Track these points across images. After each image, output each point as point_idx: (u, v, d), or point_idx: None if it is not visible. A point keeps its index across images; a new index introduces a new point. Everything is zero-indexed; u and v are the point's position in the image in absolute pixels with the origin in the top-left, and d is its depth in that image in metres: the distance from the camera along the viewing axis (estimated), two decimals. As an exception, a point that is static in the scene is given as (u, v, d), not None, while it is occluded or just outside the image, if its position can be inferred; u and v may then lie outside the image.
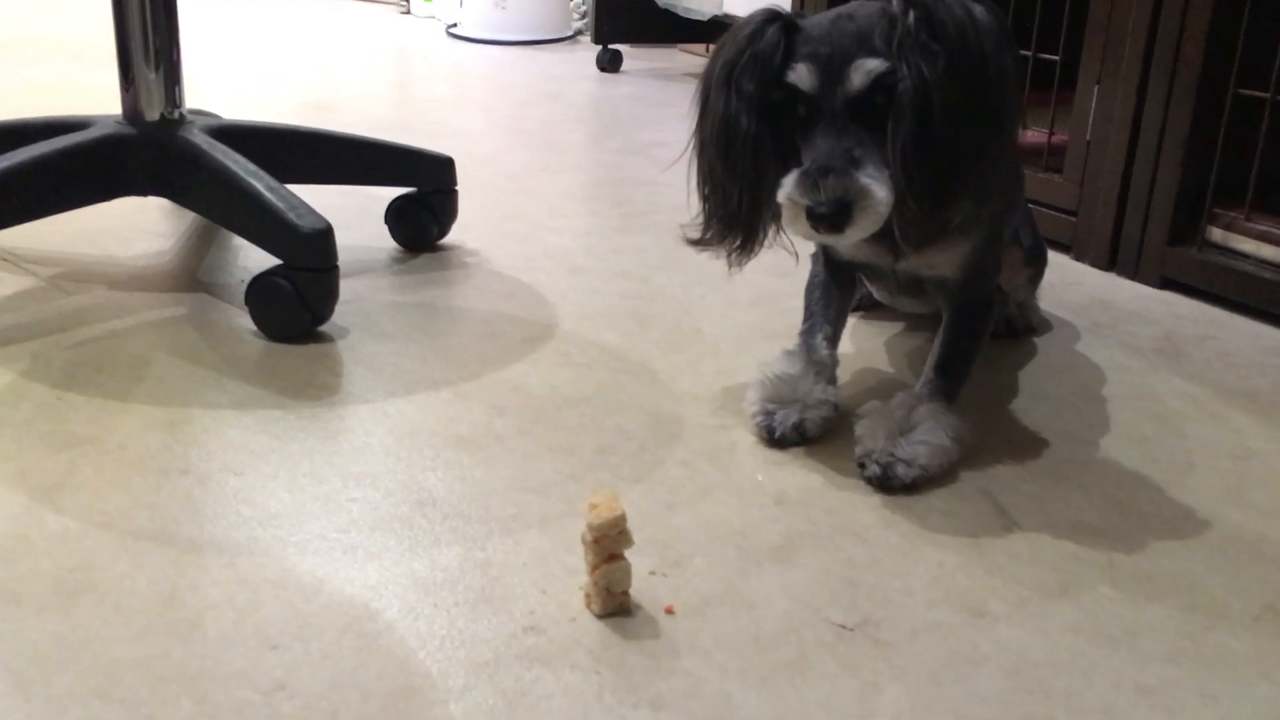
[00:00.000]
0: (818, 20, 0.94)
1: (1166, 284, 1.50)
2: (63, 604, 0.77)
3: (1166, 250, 1.49)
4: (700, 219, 1.00)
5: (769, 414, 1.03)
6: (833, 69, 0.90)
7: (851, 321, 1.32)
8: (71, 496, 0.89)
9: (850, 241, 0.95)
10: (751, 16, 0.96)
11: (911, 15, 0.89)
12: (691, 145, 0.99)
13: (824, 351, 1.08)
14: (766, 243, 1.00)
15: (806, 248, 1.08)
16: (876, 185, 0.89)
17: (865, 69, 0.89)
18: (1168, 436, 1.09)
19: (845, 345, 1.26)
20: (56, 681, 0.69)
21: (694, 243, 1.00)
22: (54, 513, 0.87)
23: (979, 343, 1.08)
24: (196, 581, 0.80)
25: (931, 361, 1.06)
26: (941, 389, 1.03)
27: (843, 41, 0.91)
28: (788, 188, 0.91)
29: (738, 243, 0.98)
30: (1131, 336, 1.33)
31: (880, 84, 0.89)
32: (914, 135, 0.88)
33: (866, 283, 1.22)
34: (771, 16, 0.95)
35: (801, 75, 0.91)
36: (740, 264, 1.00)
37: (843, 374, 1.15)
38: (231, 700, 0.69)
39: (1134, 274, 1.53)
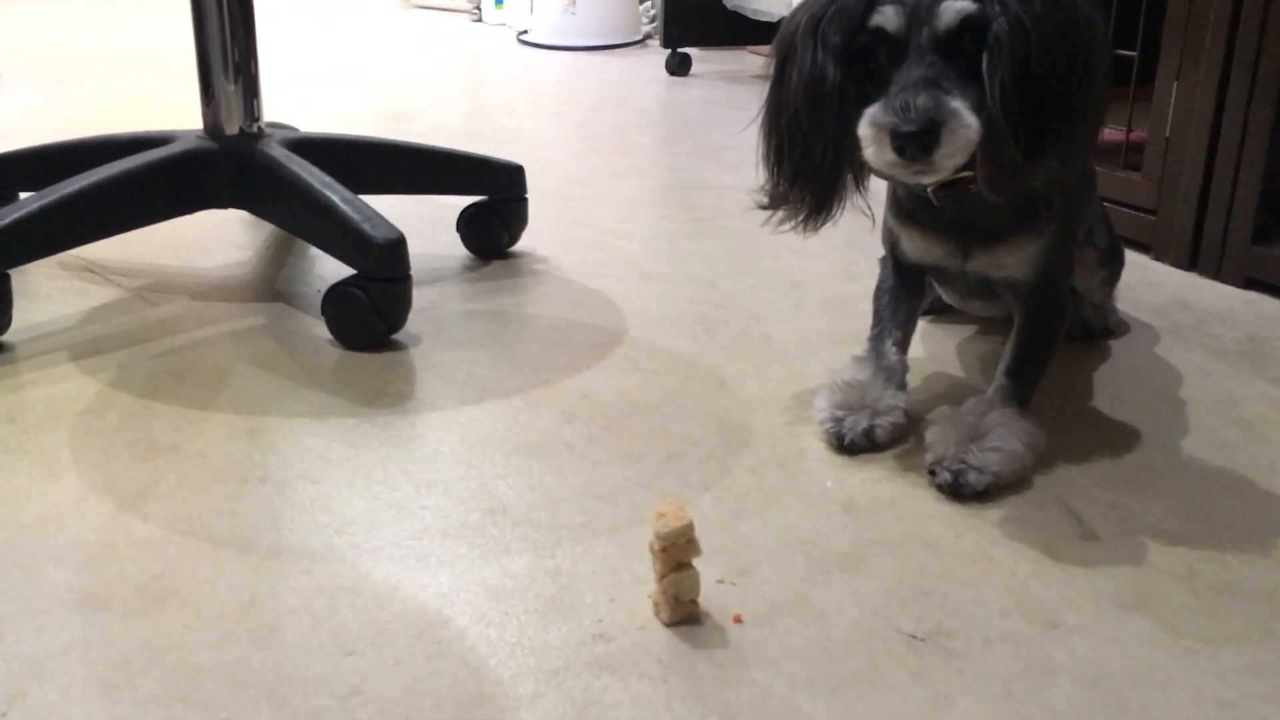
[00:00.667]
0: None
1: (1250, 284, 1.46)
2: (147, 610, 0.79)
3: (1250, 249, 1.45)
4: (771, 183, 0.97)
5: (838, 420, 1.03)
6: (920, 9, 0.87)
7: (921, 325, 1.31)
8: (156, 504, 0.92)
9: (938, 171, 0.89)
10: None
11: None
12: (762, 110, 0.97)
13: (894, 357, 1.08)
14: (844, 206, 0.97)
15: (874, 247, 1.07)
16: (965, 110, 0.86)
17: (955, 8, 0.86)
18: (1251, 442, 1.06)
19: (915, 350, 1.25)
20: (141, 686, 0.72)
21: (767, 206, 0.98)
22: (140, 520, 0.90)
23: (1052, 347, 1.07)
24: (275, 588, 0.82)
25: (1003, 366, 1.04)
26: (1013, 394, 1.02)
27: None
28: (871, 113, 0.88)
29: (813, 202, 0.96)
30: (1213, 338, 1.30)
31: (969, 26, 0.86)
32: (1011, 74, 0.85)
33: (936, 286, 1.21)
34: None
35: (888, 17, 0.88)
36: (814, 227, 0.98)
37: (913, 379, 1.14)
38: (309, 706, 0.70)
39: (1216, 274, 1.49)
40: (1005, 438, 0.96)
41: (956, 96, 0.86)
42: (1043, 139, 0.87)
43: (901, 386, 1.07)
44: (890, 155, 0.87)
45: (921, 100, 0.85)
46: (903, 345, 1.10)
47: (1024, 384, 1.03)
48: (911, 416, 1.06)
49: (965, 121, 0.86)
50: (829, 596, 0.82)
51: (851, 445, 1.02)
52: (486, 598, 0.81)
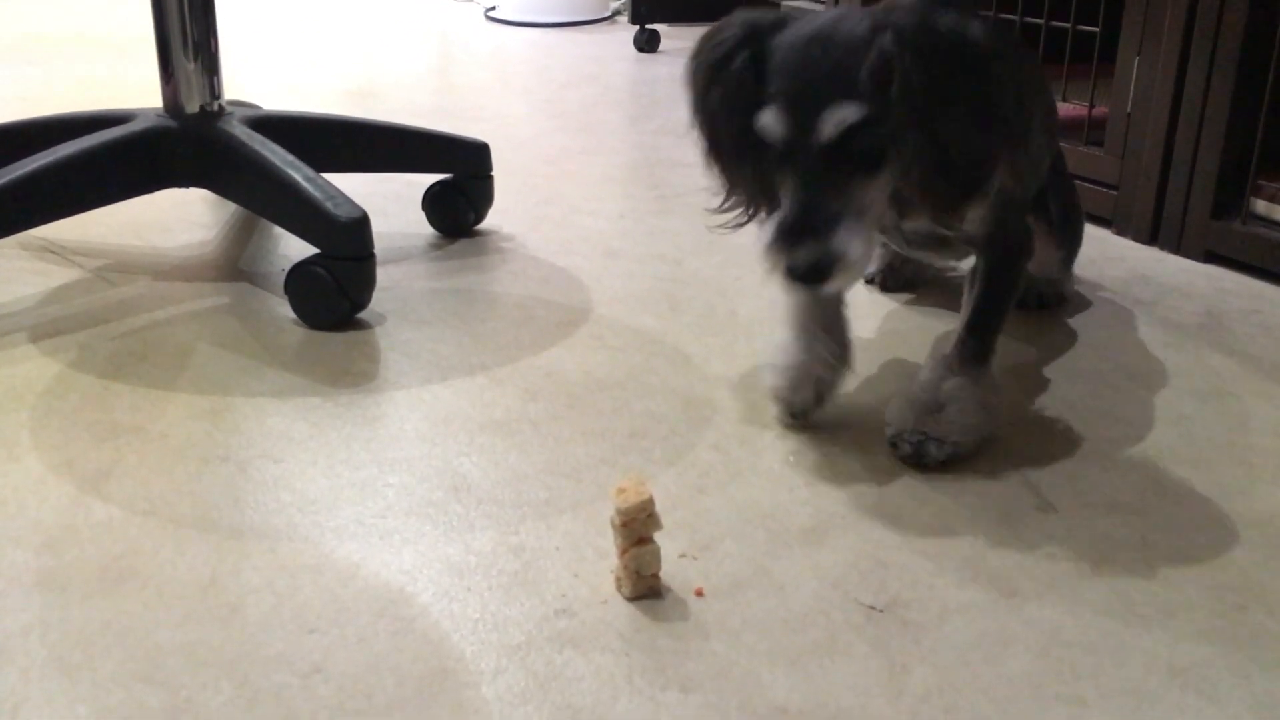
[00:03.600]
0: (795, 37, 0.87)
1: (1210, 258, 1.47)
2: (108, 590, 0.79)
3: (1209, 223, 1.47)
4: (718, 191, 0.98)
5: (793, 389, 1.03)
6: (804, 113, 0.84)
7: (871, 297, 1.32)
8: (117, 485, 0.92)
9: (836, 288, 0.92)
10: (724, 29, 0.91)
11: (891, 44, 0.83)
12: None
13: (827, 311, 1.06)
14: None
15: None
16: (853, 244, 0.85)
17: (837, 118, 0.83)
18: (1208, 414, 1.07)
19: (867, 324, 1.26)
20: (101, 666, 0.71)
21: (718, 211, 0.98)
22: (100, 501, 0.90)
23: (1013, 293, 1.04)
24: (237, 567, 0.82)
25: (963, 320, 1.02)
26: (974, 351, 1.00)
27: (816, 76, 0.85)
28: (766, 238, 0.87)
29: (750, 205, 0.97)
30: (1173, 311, 1.32)
31: (857, 130, 0.84)
32: (918, 161, 0.84)
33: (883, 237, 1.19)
34: (743, 36, 0.89)
35: (770, 123, 0.86)
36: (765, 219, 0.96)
37: (866, 355, 1.15)
38: (270, 683, 0.70)
39: (1176, 248, 1.51)
40: (964, 406, 0.97)
41: (846, 219, 0.85)
42: (973, 183, 0.87)
43: (842, 342, 1.05)
44: (785, 283, 0.87)
45: (806, 248, 0.84)
46: (838, 300, 1.07)
47: (985, 336, 1.01)
48: (869, 385, 1.07)
49: (852, 259, 0.85)
50: (789, 569, 0.83)
51: (802, 411, 1.02)
52: (449, 574, 0.82)
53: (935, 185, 0.86)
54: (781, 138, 0.86)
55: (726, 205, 0.98)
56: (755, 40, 0.89)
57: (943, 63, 0.83)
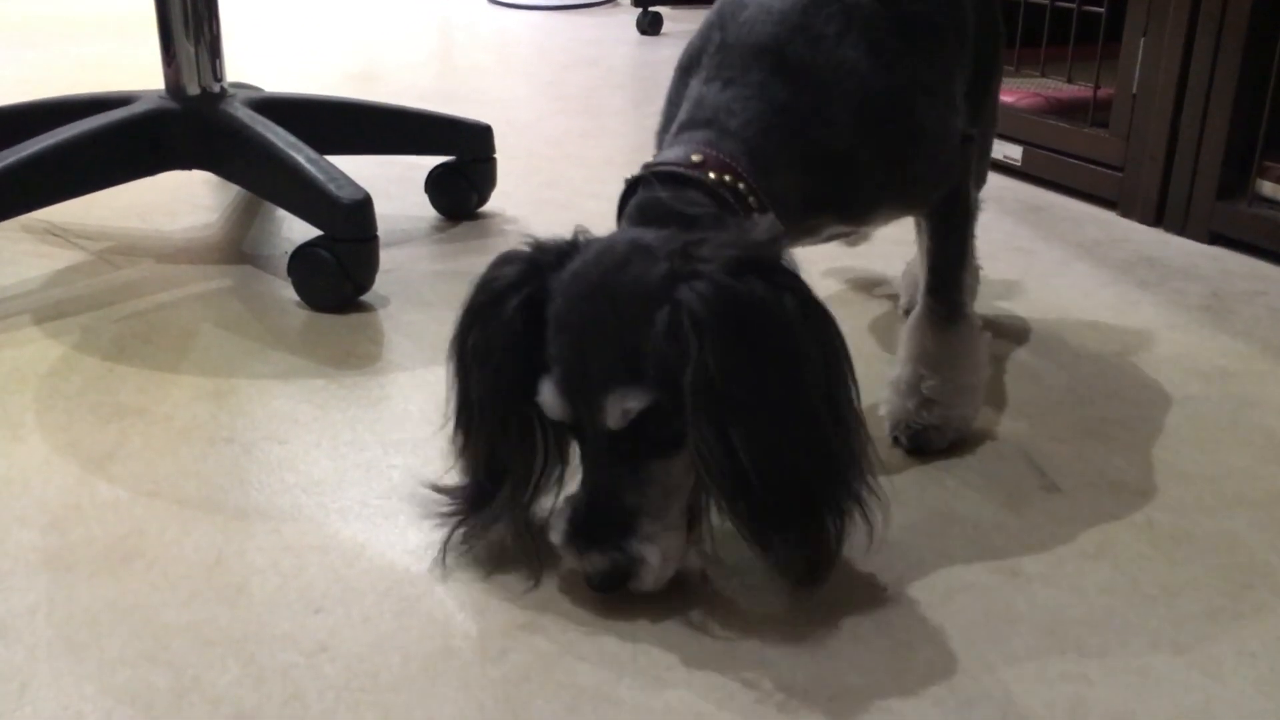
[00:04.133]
0: (577, 283, 0.73)
1: (1215, 239, 1.47)
2: (113, 570, 0.79)
3: (1215, 205, 1.46)
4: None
5: None
6: (586, 393, 0.72)
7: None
8: (122, 466, 0.92)
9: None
10: (498, 269, 0.77)
11: (685, 320, 0.68)
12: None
13: None
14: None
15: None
16: (652, 549, 0.73)
17: (623, 407, 0.71)
18: (1213, 395, 1.07)
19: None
20: (107, 645, 0.72)
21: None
22: (105, 482, 0.90)
23: (966, 244, 1.00)
24: (242, 548, 0.82)
25: (923, 285, 0.98)
26: (943, 313, 0.97)
27: (600, 345, 0.72)
28: (557, 533, 0.75)
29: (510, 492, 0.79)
30: (1178, 293, 1.31)
31: (646, 416, 0.71)
32: (717, 487, 0.71)
33: None
34: (517, 279, 0.75)
35: (549, 402, 0.74)
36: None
37: (854, 340, 1.15)
38: (276, 662, 0.71)
39: (1181, 230, 1.50)
40: (955, 384, 0.95)
41: (643, 518, 0.73)
42: (782, 516, 0.72)
43: None
44: (564, 555, 0.76)
45: (596, 559, 0.74)
46: None
47: (949, 295, 0.97)
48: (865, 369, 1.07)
49: (653, 565, 0.73)
50: (794, 549, 0.82)
51: None
52: (454, 554, 0.82)
53: (737, 508, 0.71)
54: (564, 418, 0.74)
55: (463, 497, 0.82)
56: (534, 278, 0.75)
57: (747, 353, 0.69)
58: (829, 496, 0.72)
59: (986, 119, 1.13)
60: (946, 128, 0.92)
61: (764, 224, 0.76)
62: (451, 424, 0.80)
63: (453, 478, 0.83)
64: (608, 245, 0.75)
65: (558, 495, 0.80)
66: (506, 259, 0.77)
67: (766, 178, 0.81)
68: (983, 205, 1.23)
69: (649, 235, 0.74)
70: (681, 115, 0.85)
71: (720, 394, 0.68)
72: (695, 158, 0.80)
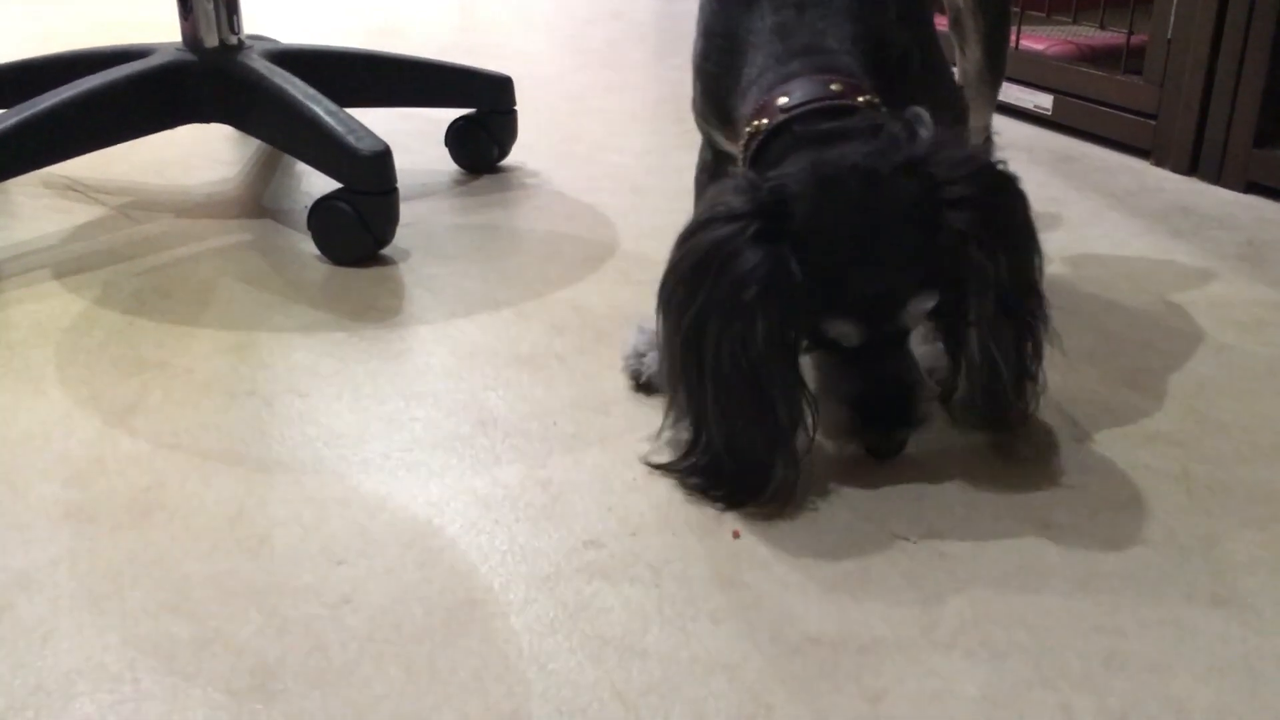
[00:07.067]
0: (827, 213, 0.75)
1: (1251, 188, 1.44)
2: (135, 522, 0.79)
3: (1251, 152, 1.43)
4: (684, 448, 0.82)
5: (639, 356, 0.96)
6: (879, 312, 0.77)
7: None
8: (143, 419, 0.91)
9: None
10: (727, 229, 0.75)
11: (964, 218, 0.76)
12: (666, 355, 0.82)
13: None
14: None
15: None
16: (929, 411, 0.83)
17: (922, 308, 0.78)
18: (1249, 344, 1.05)
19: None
20: (129, 596, 0.71)
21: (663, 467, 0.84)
22: (127, 435, 0.89)
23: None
24: (264, 500, 0.81)
25: None
26: None
27: (884, 266, 0.76)
28: (852, 420, 0.81)
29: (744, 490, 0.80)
30: (1213, 242, 1.28)
31: (932, 310, 0.80)
32: (991, 349, 0.80)
33: None
34: (762, 231, 0.74)
35: (846, 333, 0.78)
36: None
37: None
38: (299, 614, 0.70)
39: (1217, 178, 1.47)
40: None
41: (920, 385, 0.82)
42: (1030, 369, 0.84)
43: None
44: (868, 439, 0.84)
45: (898, 439, 0.83)
46: None
47: None
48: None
49: (926, 422, 0.83)
50: (822, 503, 0.81)
51: (648, 385, 0.95)
52: (477, 506, 0.81)
53: (997, 374, 0.81)
54: (859, 340, 0.78)
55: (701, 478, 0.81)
56: (774, 246, 0.75)
57: (1018, 253, 0.80)
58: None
59: (1001, 36, 1.19)
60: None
61: (954, 133, 0.82)
62: (686, 401, 0.79)
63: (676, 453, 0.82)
64: (825, 177, 0.76)
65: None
66: (726, 234, 0.75)
67: (873, 82, 0.83)
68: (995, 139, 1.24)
69: (857, 154, 0.76)
70: (769, 47, 0.83)
71: (1008, 285, 0.77)
72: (835, 87, 0.80)
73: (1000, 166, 0.80)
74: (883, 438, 0.83)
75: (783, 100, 0.80)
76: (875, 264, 0.76)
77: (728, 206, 0.76)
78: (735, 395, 0.76)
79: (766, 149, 0.81)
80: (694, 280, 0.76)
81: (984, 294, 0.78)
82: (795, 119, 0.79)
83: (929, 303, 0.78)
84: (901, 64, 0.87)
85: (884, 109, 0.81)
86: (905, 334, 0.81)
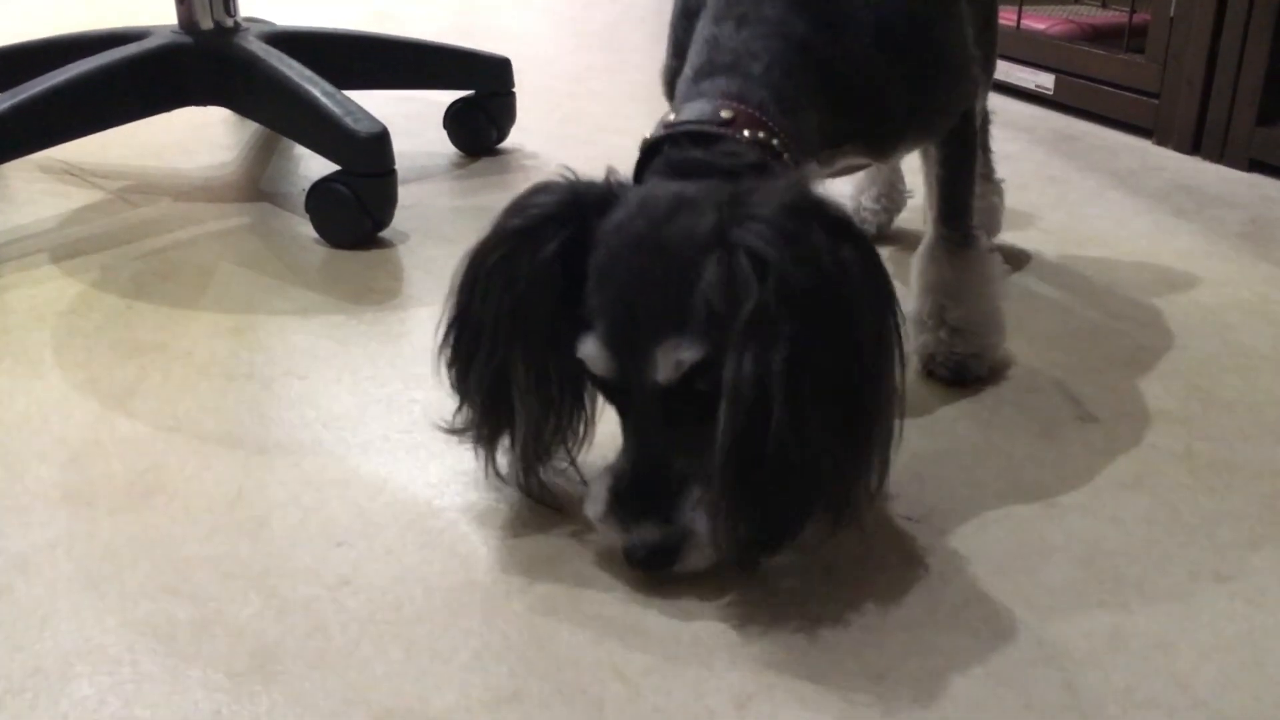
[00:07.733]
0: (623, 229, 0.69)
1: (1254, 166, 1.43)
2: (134, 505, 0.78)
3: (1254, 131, 1.42)
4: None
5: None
6: (634, 347, 0.67)
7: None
8: (141, 402, 0.91)
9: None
10: (536, 195, 0.72)
11: (745, 267, 0.64)
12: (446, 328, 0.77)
13: None
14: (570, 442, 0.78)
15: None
16: (702, 520, 0.68)
17: (676, 358, 0.66)
18: (1253, 322, 1.04)
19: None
20: (128, 578, 0.71)
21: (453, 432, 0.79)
22: (125, 417, 0.89)
23: (973, 168, 0.96)
24: (263, 482, 0.81)
25: (934, 214, 0.95)
26: (958, 242, 0.95)
27: (650, 297, 0.67)
28: (595, 505, 0.71)
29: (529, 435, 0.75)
30: (1216, 221, 1.28)
31: (701, 370, 0.67)
32: (741, 449, 0.64)
33: None
34: (558, 213, 0.71)
35: (593, 357, 0.69)
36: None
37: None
38: (298, 595, 0.70)
39: (1219, 157, 1.46)
40: (980, 312, 0.93)
41: (693, 486, 0.68)
42: (785, 519, 0.68)
43: None
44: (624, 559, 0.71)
45: (647, 531, 0.68)
46: None
47: (962, 221, 0.95)
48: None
49: (703, 536, 0.68)
50: (823, 481, 0.81)
51: None
52: (477, 488, 0.80)
53: (752, 490, 0.65)
54: (608, 374, 0.70)
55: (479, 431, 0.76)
56: (575, 218, 0.71)
57: (807, 295, 0.64)
58: (842, 478, 0.66)
59: (991, 35, 1.09)
60: (965, 50, 0.88)
61: (809, 172, 0.72)
62: (446, 335, 0.75)
63: (462, 418, 0.78)
64: (649, 196, 0.70)
65: (575, 452, 0.78)
66: (545, 188, 0.72)
67: (794, 119, 0.76)
68: (993, 118, 1.21)
69: (691, 187, 0.69)
70: (696, 59, 0.80)
71: (775, 333, 0.63)
72: (725, 114, 0.74)
73: (835, 213, 0.67)
74: (621, 531, 0.70)
75: (671, 117, 0.77)
76: (641, 293, 0.68)
77: (554, 185, 0.73)
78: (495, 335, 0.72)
79: (645, 161, 0.77)
80: (493, 225, 0.74)
81: (748, 334, 0.64)
82: (668, 139, 0.75)
83: (687, 353, 0.66)
84: (874, 95, 0.81)
85: (773, 147, 0.74)
86: (692, 400, 0.67)
